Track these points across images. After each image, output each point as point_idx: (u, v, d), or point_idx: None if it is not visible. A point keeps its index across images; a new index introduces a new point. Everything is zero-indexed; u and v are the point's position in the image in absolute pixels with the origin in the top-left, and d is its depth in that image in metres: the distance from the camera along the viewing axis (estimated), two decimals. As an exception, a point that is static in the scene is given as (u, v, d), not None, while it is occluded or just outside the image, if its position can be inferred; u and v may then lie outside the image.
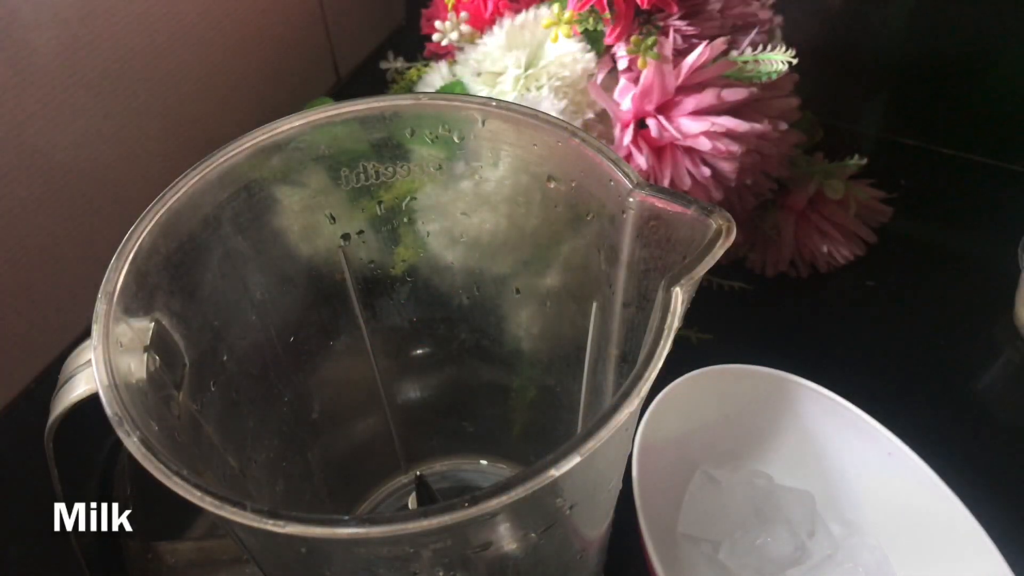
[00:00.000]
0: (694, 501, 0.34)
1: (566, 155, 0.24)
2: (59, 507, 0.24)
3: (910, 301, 0.46)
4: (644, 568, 0.29)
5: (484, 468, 0.36)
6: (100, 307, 0.20)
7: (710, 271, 0.20)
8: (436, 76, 0.40)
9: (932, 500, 0.31)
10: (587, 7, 0.36)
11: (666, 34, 0.36)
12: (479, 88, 0.38)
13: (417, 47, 0.45)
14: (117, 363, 0.19)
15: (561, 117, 0.25)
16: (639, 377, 0.18)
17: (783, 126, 0.38)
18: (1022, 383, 0.42)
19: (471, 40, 0.40)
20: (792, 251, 0.45)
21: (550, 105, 0.36)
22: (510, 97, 0.37)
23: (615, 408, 0.17)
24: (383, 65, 0.46)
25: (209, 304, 0.25)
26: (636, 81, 0.35)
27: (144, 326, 0.21)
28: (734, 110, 0.36)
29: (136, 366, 0.20)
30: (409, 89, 0.42)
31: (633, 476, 0.31)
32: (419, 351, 0.34)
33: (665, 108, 0.36)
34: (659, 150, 0.36)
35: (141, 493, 0.26)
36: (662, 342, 0.18)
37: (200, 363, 0.24)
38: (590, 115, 0.38)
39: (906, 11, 0.53)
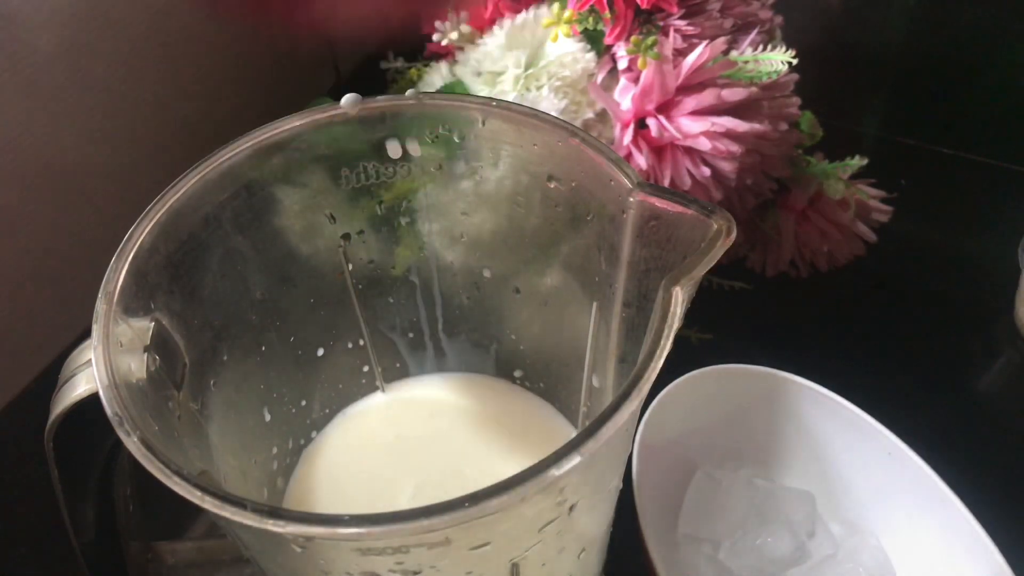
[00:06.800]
0: (694, 501, 0.34)
1: (566, 155, 0.24)
2: (60, 507, 0.24)
3: (910, 301, 0.46)
4: (644, 568, 0.29)
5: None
6: (100, 307, 0.20)
7: (710, 271, 0.20)
8: (436, 76, 0.40)
9: (932, 500, 0.31)
10: (587, 7, 0.36)
11: (666, 34, 0.36)
12: (479, 88, 0.38)
13: (417, 47, 0.45)
14: (117, 363, 0.19)
15: (561, 117, 0.25)
16: (639, 377, 0.18)
17: (783, 126, 0.38)
18: (1022, 383, 0.42)
19: (471, 40, 0.40)
20: (792, 251, 0.45)
21: (550, 105, 0.36)
22: (510, 97, 0.37)
23: (615, 408, 0.17)
24: (383, 65, 0.46)
25: (209, 304, 0.25)
26: (636, 81, 0.35)
27: (144, 326, 0.21)
28: (734, 110, 0.36)
29: (136, 366, 0.20)
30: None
31: (633, 476, 0.31)
32: (419, 350, 0.34)
33: (665, 108, 0.36)
34: (659, 150, 0.36)
35: (141, 493, 0.26)
36: (662, 342, 0.18)
37: (200, 363, 0.24)
38: (590, 115, 0.38)
39: (906, 11, 0.53)
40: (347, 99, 0.25)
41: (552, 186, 0.26)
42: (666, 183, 0.36)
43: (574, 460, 0.16)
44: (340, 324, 0.31)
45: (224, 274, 0.25)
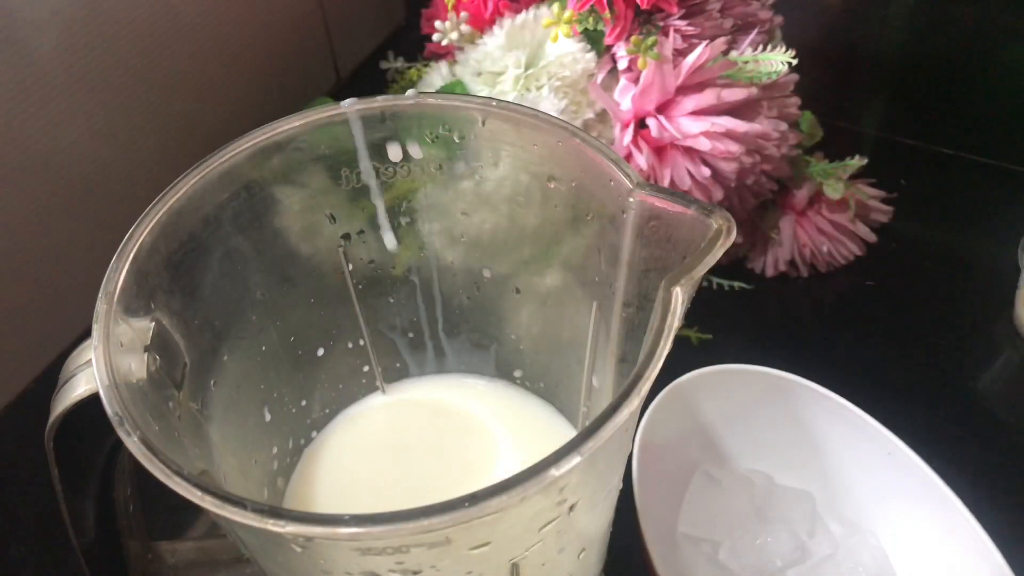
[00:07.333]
0: (694, 501, 0.34)
1: (566, 155, 0.24)
2: (60, 507, 0.24)
3: (910, 301, 0.46)
4: (644, 568, 0.29)
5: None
6: (100, 307, 0.20)
7: (710, 271, 0.20)
8: (436, 76, 0.40)
9: (932, 500, 0.31)
10: (587, 7, 0.36)
11: (666, 34, 0.36)
12: (479, 88, 0.38)
13: (417, 47, 0.45)
14: (117, 363, 0.19)
15: (561, 117, 0.25)
16: (639, 377, 0.18)
17: (783, 126, 0.38)
18: (1022, 383, 0.42)
19: (471, 40, 0.40)
20: (792, 251, 0.45)
21: (550, 105, 0.36)
22: (510, 97, 0.37)
23: (615, 408, 0.17)
24: (383, 65, 0.46)
25: (209, 304, 0.25)
26: (636, 81, 0.36)
27: (144, 326, 0.21)
28: (734, 110, 0.36)
29: (136, 366, 0.20)
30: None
31: (633, 476, 0.31)
32: (419, 350, 0.34)
33: (665, 108, 0.36)
34: (659, 150, 0.36)
35: (141, 493, 0.26)
36: (662, 342, 0.18)
37: (200, 362, 0.24)
38: (590, 115, 0.38)
39: (906, 11, 0.53)
40: (349, 103, 0.25)
41: (552, 186, 0.26)
42: (666, 183, 0.36)
43: (574, 460, 0.16)
44: (340, 324, 0.31)
45: (224, 274, 0.25)
